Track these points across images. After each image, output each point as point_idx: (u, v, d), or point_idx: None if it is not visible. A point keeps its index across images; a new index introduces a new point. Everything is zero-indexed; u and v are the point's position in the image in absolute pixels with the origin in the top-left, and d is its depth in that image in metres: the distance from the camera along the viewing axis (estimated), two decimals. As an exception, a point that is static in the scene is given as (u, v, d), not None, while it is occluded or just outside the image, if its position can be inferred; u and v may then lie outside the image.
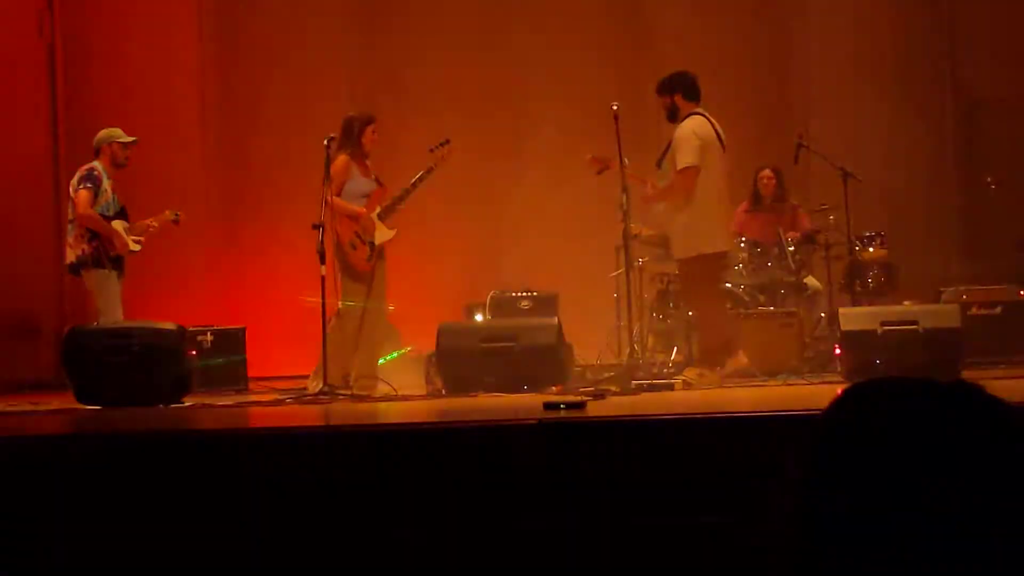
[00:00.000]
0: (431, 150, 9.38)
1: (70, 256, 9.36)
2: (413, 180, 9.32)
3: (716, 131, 9.12)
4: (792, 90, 12.14)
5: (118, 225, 9.36)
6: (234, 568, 3.88)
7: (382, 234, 9.30)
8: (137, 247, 9.49)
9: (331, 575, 3.79)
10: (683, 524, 4.19)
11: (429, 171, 9.32)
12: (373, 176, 9.38)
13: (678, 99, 9.17)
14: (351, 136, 9.21)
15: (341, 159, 9.17)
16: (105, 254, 9.26)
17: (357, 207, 9.23)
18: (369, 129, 9.23)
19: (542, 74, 12.12)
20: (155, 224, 9.62)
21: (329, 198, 9.03)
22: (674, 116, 9.19)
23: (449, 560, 3.86)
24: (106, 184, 9.37)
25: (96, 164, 9.42)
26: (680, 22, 12.14)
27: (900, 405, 1.46)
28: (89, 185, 9.29)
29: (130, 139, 9.51)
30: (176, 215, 9.77)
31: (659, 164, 9.28)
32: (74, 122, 12.27)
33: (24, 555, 4.29)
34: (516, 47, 12.24)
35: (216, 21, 12.29)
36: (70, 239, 9.38)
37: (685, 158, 9.01)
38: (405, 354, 10.95)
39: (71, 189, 9.42)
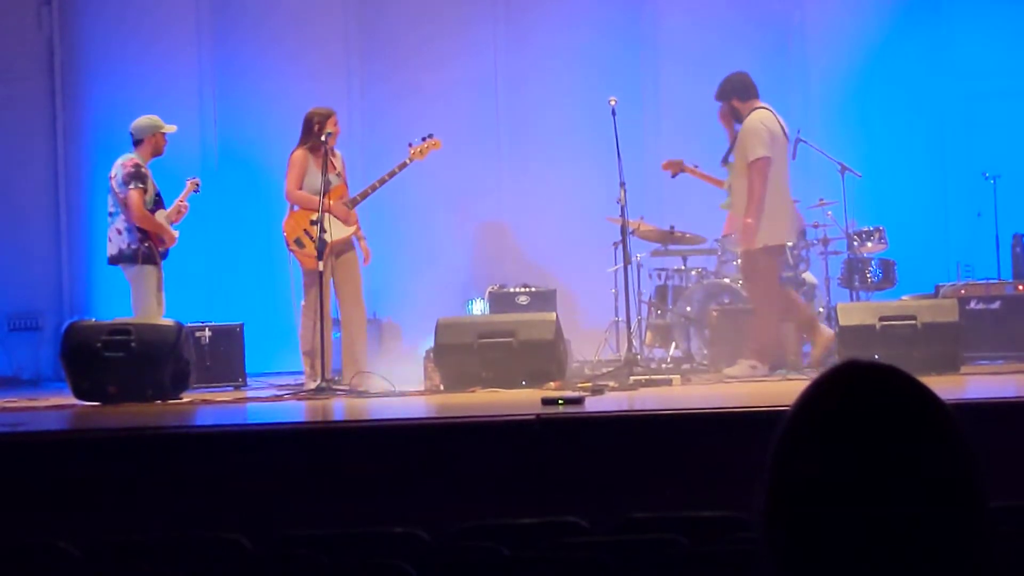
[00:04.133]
0: (411, 144, 9.36)
1: (112, 248, 9.28)
2: (384, 175, 9.28)
3: (780, 123, 9.28)
4: (791, 86, 12.12)
5: (161, 216, 9.32)
6: (232, 564, 3.88)
7: (337, 231, 9.10)
8: (176, 233, 9.46)
9: (330, 571, 3.79)
10: (682, 519, 4.18)
11: (403, 166, 9.28)
12: (337, 171, 9.32)
13: (736, 103, 9.29)
14: (310, 131, 9.17)
15: (298, 153, 9.17)
16: (156, 251, 9.24)
17: (332, 205, 9.12)
18: (329, 123, 9.16)
19: (541, 69, 12.11)
20: (186, 204, 9.59)
21: (293, 192, 9.06)
22: (739, 118, 9.32)
23: (448, 556, 3.86)
24: (150, 179, 9.29)
25: (138, 158, 9.24)
26: (680, 16, 12.12)
27: (850, 399, 1.50)
28: (140, 185, 9.13)
29: (172, 128, 9.44)
30: (197, 183, 9.72)
31: (724, 161, 9.33)
32: (73, 117, 12.25)
33: (23, 553, 4.29)
34: (515, 42, 12.23)
35: (215, 15, 12.27)
36: (111, 232, 9.27)
37: (757, 149, 9.10)
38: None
39: (114, 184, 9.22)
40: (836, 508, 1.45)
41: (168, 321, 9.00)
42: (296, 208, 9.14)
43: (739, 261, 9.66)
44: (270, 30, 12.25)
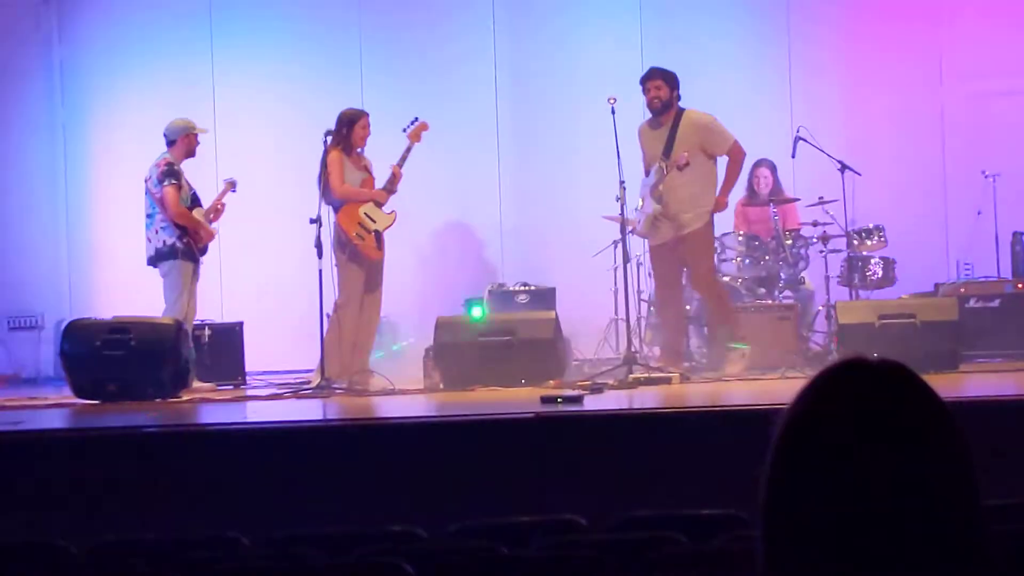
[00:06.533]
0: (404, 130, 9.54)
1: (149, 250, 9.38)
2: (399, 159, 9.45)
3: None
4: (791, 83, 12.12)
5: (198, 214, 9.43)
6: (231, 563, 3.88)
7: (383, 220, 9.41)
8: (215, 231, 9.60)
9: (328, 570, 3.79)
10: (681, 517, 4.18)
11: (408, 150, 9.49)
12: (363, 166, 9.51)
13: (676, 95, 9.38)
14: (341, 131, 9.34)
15: (334, 154, 9.32)
16: (195, 247, 9.33)
17: (374, 191, 9.38)
18: (358, 125, 9.37)
19: (540, 68, 12.11)
20: (223, 204, 9.68)
21: (341, 188, 9.23)
22: (666, 109, 9.35)
23: (446, 554, 3.86)
24: (183, 177, 9.41)
25: (171, 157, 9.39)
26: (679, 15, 12.12)
27: (849, 395, 1.51)
28: (174, 181, 9.28)
29: (204, 129, 9.58)
30: (232, 183, 9.82)
31: (666, 155, 9.29)
32: (73, 115, 12.24)
33: (23, 551, 4.29)
34: (515, 42, 12.23)
35: (216, 15, 12.26)
36: (150, 233, 9.37)
37: (728, 134, 9.35)
38: (403, 348, 10.95)
39: (150, 185, 9.34)
40: (834, 505, 1.45)
41: (167, 319, 9.01)
42: (340, 204, 9.30)
43: (689, 246, 9.43)
44: (271, 30, 12.25)
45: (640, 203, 9.35)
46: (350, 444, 6.23)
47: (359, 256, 9.29)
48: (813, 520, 1.46)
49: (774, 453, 1.51)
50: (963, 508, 1.47)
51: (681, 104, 9.43)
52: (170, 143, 9.46)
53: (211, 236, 9.50)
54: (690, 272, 9.55)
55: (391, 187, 9.44)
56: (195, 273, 9.44)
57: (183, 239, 9.30)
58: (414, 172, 9.52)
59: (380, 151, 9.64)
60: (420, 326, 9.88)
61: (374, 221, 9.35)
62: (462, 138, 11.42)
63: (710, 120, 9.41)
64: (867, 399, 1.49)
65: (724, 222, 10.68)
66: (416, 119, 9.62)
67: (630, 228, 9.52)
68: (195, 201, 9.51)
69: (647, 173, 9.40)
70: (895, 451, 1.46)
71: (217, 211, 9.67)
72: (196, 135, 9.51)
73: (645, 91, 9.38)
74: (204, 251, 9.48)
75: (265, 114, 12.02)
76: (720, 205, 9.42)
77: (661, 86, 9.34)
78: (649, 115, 9.48)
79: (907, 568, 1.43)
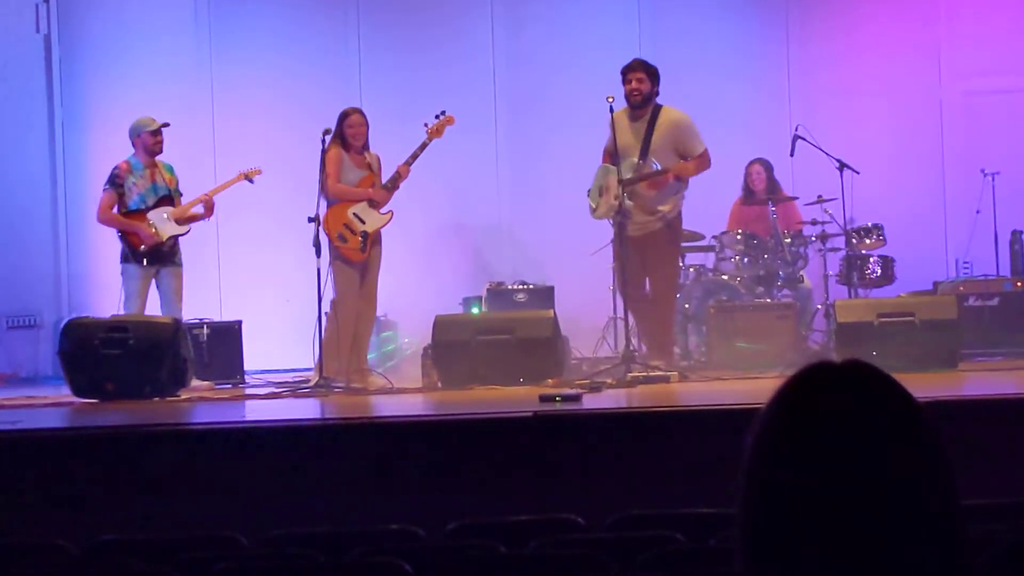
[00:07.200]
0: (426, 124, 9.47)
1: None
2: (408, 157, 9.39)
3: None
4: (791, 82, 12.12)
5: (156, 214, 9.43)
6: (229, 562, 3.87)
7: (374, 221, 9.32)
8: (183, 229, 9.55)
9: (326, 569, 3.79)
10: (679, 515, 4.18)
11: (423, 146, 9.43)
12: (367, 162, 9.46)
13: (655, 90, 9.31)
14: (335, 129, 9.37)
15: (332, 151, 9.33)
16: (133, 250, 9.37)
17: (370, 190, 9.33)
18: (346, 123, 9.35)
19: (539, 67, 12.11)
20: (211, 200, 9.62)
21: (334, 187, 9.22)
22: (645, 103, 9.26)
23: (444, 553, 3.86)
24: (133, 179, 9.44)
25: (131, 160, 9.48)
26: (678, 13, 12.12)
27: (824, 395, 1.52)
28: (107, 187, 9.44)
29: (159, 124, 9.56)
30: (246, 174, 9.82)
31: (644, 156, 9.25)
32: (71, 114, 12.24)
33: (21, 551, 4.29)
34: (513, 41, 12.22)
35: (214, 13, 12.26)
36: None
37: (702, 141, 9.21)
38: (402, 347, 10.95)
39: None
40: (810, 506, 1.45)
41: (166, 318, 9.03)
42: (333, 203, 9.26)
43: (651, 249, 9.30)
44: (269, 29, 12.24)
45: (602, 191, 9.29)
46: (348, 443, 6.22)
47: (344, 256, 9.27)
48: (790, 522, 1.46)
49: (749, 456, 1.52)
50: (939, 505, 1.47)
51: (659, 100, 9.34)
52: (132, 145, 9.56)
53: (153, 238, 9.39)
54: (649, 280, 9.42)
55: (393, 184, 9.40)
56: (160, 273, 9.43)
57: (124, 242, 9.45)
58: (412, 170, 9.50)
59: (387, 147, 9.64)
60: (418, 325, 9.87)
61: (363, 222, 9.27)
62: (460, 136, 11.39)
63: (688, 120, 9.30)
64: (836, 401, 1.49)
65: (721, 223, 10.71)
66: (443, 112, 9.52)
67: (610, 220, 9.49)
68: (162, 201, 9.51)
69: (609, 159, 9.34)
70: (867, 450, 1.46)
71: (207, 206, 9.62)
72: (149, 132, 9.48)
73: (626, 82, 9.28)
74: (150, 255, 9.40)
75: (263, 111, 12.01)
76: (669, 186, 9.19)
77: (643, 79, 9.28)
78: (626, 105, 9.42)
79: (885, 567, 1.44)
